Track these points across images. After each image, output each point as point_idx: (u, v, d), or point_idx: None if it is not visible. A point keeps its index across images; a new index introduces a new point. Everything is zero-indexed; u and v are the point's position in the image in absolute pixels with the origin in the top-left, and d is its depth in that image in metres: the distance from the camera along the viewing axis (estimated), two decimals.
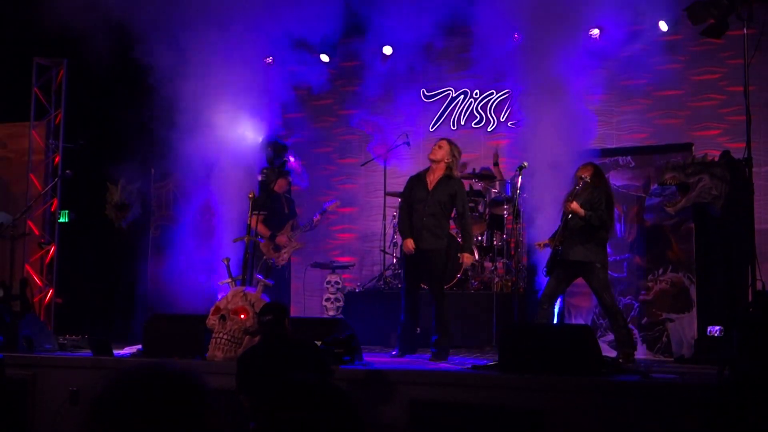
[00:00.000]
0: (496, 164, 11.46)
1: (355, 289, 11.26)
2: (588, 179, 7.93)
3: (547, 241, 8.22)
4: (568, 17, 9.44)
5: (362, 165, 11.92)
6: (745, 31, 7.65)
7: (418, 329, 9.49)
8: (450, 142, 8.53)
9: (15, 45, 11.68)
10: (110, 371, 1.86)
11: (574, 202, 7.87)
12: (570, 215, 7.91)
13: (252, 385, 5.63)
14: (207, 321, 7.47)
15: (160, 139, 10.05)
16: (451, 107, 12.28)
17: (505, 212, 10.71)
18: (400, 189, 10.99)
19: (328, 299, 10.80)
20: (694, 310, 8.55)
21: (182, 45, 9.90)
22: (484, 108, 12.09)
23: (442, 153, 8.39)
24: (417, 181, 8.57)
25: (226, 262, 8.24)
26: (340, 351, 6.87)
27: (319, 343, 6.66)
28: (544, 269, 8.14)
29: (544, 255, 8.40)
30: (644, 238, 9.03)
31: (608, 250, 8.22)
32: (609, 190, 8.22)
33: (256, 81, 10.73)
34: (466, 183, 11.02)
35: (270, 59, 11.83)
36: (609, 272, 8.12)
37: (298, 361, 5.54)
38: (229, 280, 8.08)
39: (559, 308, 8.42)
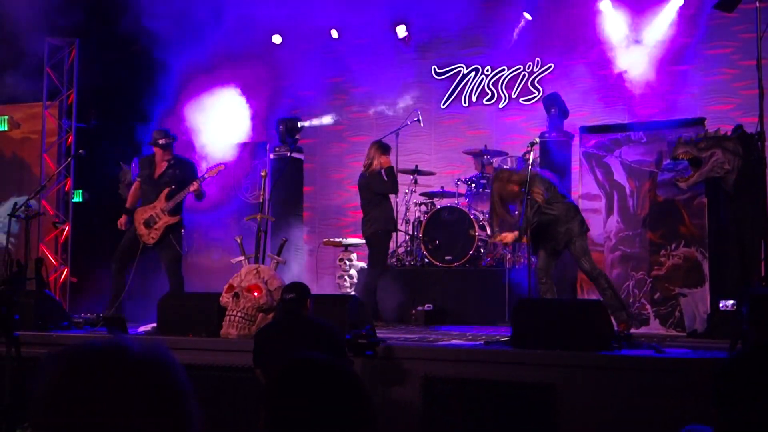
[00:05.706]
0: None
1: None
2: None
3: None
4: None
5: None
6: (758, 4, 7.61)
7: (431, 305, 9.57)
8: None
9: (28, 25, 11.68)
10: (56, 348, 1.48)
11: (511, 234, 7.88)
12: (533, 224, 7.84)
13: (266, 360, 5.69)
14: (220, 299, 7.51)
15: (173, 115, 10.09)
16: (463, 84, 12.23)
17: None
18: (412, 167, 11.01)
19: (341, 276, 10.82)
20: (707, 284, 8.55)
21: (191, 21, 9.92)
22: (495, 84, 12.03)
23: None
24: None
25: (239, 240, 8.27)
26: (364, 343, 6.80)
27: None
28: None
29: None
30: (657, 213, 9.00)
31: (614, 222, 8.17)
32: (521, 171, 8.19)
33: (265, 58, 10.73)
34: (476, 160, 11.04)
35: (278, 37, 11.83)
36: (621, 247, 8.10)
37: (315, 342, 5.54)
38: (243, 257, 8.12)
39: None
